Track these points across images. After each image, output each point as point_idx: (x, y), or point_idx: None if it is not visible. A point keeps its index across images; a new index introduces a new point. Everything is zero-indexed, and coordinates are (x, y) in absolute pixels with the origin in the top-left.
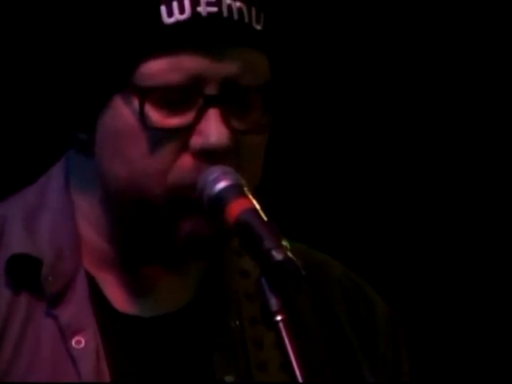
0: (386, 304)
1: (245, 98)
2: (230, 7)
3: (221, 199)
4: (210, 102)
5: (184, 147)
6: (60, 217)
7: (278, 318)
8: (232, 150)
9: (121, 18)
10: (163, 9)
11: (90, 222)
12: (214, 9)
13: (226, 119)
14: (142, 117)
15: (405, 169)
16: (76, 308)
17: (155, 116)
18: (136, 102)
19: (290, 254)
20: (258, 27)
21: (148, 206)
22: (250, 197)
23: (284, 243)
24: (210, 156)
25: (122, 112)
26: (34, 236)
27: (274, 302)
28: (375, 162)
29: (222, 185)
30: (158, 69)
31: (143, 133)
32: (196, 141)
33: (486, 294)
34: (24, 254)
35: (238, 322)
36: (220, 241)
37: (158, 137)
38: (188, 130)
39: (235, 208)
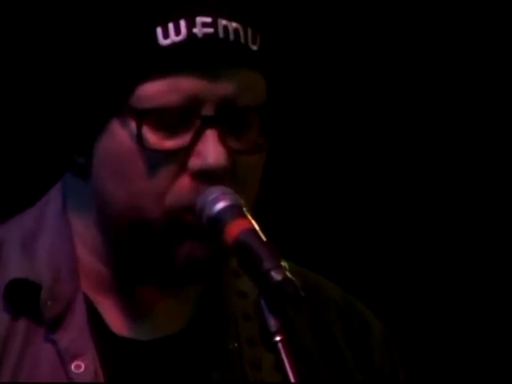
0: (381, 323)
1: (242, 118)
2: (225, 28)
3: (220, 220)
4: (207, 122)
5: (182, 168)
6: (58, 241)
7: (277, 338)
8: (230, 170)
9: (116, 41)
10: (159, 30)
11: (86, 245)
12: (210, 30)
13: (223, 140)
14: (140, 139)
15: (402, 182)
16: (75, 332)
17: (152, 138)
18: (133, 125)
19: (289, 274)
20: (255, 47)
21: (146, 228)
22: (249, 217)
23: (283, 264)
24: (208, 177)
25: (119, 135)
26: (33, 260)
27: (272, 323)
28: (372, 182)
29: (220, 205)
30: (154, 91)
31: (141, 155)
32: (194, 162)
33: (486, 299)
34: (22, 278)
35: (236, 344)
36: (218, 262)
37: (155, 159)
38: (186, 152)
39: (234, 228)
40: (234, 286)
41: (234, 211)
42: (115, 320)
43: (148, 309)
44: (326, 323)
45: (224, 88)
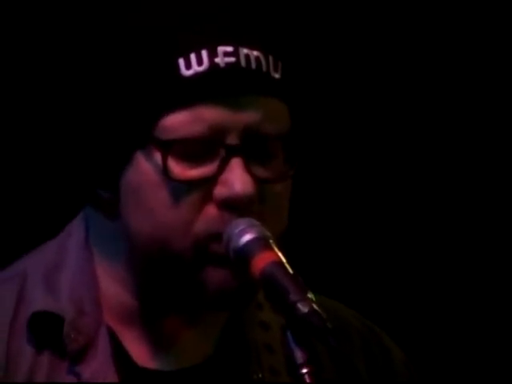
0: (400, 350)
1: (266, 146)
2: (247, 57)
3: (246, 252)
4: (233, 151)
5: (207, 198)
6: (80, 274)
7: (304, 370)
8: (256, 198)
9: (138, 73)
10: (181, 61)
11: (111, 277)
12: (232, 59)
13: (248, 168)
14: (165, 170)
15: (405, 189)
16: (98, 364)
17: (177, 169)
18: (158, 156)
19: (315, 306)
20: (277, 75)
21: (174, 258)
22: (276, 249)
23: (309, 296)
24: (234, 206)
25: (144, 167)
26: (55, 293)
27: (299, 355)
28: (375, 186)
29: (247, 237)
30: (178, 122)
31: (166, 186)
32: (220, 191)
33: (486, 299)
34: (45, 311)
35: (260, 375)
36: (247, 292)
37: (181, 189)
38: (211, 181)
39: (260, 261)
40: (257, 317)
41: (260, 244)
42: (139, 351)
43: (172, 339)
44: (348, 355)
45: (248, 116)
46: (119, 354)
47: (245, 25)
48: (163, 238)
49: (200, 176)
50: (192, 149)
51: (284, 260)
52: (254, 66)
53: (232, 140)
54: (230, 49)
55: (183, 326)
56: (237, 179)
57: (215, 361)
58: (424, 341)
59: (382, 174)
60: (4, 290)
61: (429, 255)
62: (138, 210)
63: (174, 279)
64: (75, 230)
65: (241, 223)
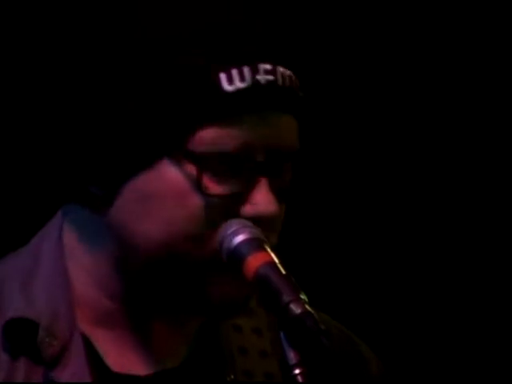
0: (379, 361)
1: (282, 163)
2: (283, 75)
3: (239, 253)
4: (260, 169)
5: (230, 213)
6: (54, 278)
7: (297, 371)
8: (279, 216)
9: (177, 83)
10: (223, 76)
11: (91, 278)
12: (271, 77)
13: (272, 187)
14: (199, 184)
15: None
16: (73, 370)
17: (210, 183)
18: (190, 168)
19: (308, 307)
20: (301, 94)
21: (186, 269)
22: (269, 250)
23: (302, 297)
24: (258, 223)
25: (169, 175)
26: (30, 299)
27: (292, 356)
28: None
29: (240, 238)
30: (214, 135)
31: (191, 198)
32: (247, 209)
33: (486, 300)
34: (20, 317)
35: (233, 376)
36: (246, 300)
37: (207, 202)
38: (237, 197)
39: (254, 262)
40: (230, 320)
41: (253, 244)
42: (113, 355)
43: (148, 343)
44: (341, 356)
45: (274, 134)
46: (94, 358)
47: (278, 43)
48: (178, 248)
49: (228, 192)
50: (223, 163)
51: (277, 260)
52: (287, 84)
53: (260, 157)
54: (268, 67)
55: (160, 331)
56: (264, 199)
57: (189, 364)
58: (424, 341)
59: (380, 174)
60: None
61: (428, 256)
62: (150, 217)
63: (181, 287)
64: (48, 234)
65: (234, 224)
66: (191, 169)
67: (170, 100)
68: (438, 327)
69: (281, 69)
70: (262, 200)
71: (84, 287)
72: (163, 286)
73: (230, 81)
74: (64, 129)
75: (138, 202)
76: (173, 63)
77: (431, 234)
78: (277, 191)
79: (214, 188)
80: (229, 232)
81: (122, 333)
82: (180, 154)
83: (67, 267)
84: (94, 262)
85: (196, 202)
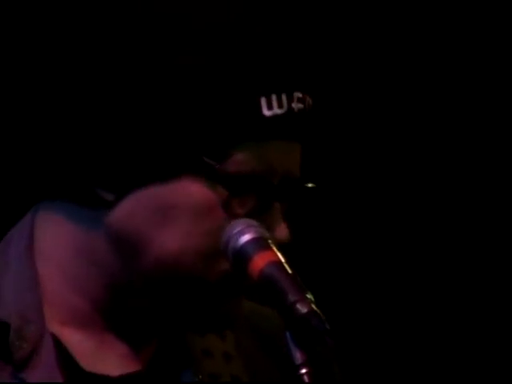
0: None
1: (291, 190)
2: (309, 104)
3: (245, 252)
4: (276, 193)
5: None
6: (23, 280)
7: (303, 371)
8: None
9: (220, 103)
10: (263, 101)
11: (67, 279)
12: (301, 105)
13: (283, 212)
14: (225, 202)
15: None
16: (44, 370)
17: (232, 201)
18: (216, 185)
19: (314, 307)
20: (314, 122)
21: (192, 285)
22: (275, 249)
23: (308, 296)
24: None
25: (194, 190)
26: (0, 299)
27: (298, 356)
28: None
29: (245, 238)
30: (244, 157)
31: (214, 214)
32: None
33: (486, 300)
34: None
35: (201, 377)
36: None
37: (227, 221)
38: (254, 218)
39: (259, 261)
40: None
41: (259, 244)
42: (85, 355)
43: (120, 344)
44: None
45: (291, 161)
46: (64, 359)
47: (307, 72)
48: (190, 263)
49: (246, 213)
50: (246, 184)
51: (283, 260)
52: (311, 113)
53: (276, 181)
54: (300, 95)
55: (133, 333)
56: (279, 225)
57: (158, 366)
58: (424, 341)
59: (380, 175)
60: None
61: (429, 257)
62: (167, 228)
63: (179, 304)
64: (17, 235)
65: (239, 224)
66: (218, 187)
67: (208, 117)
68: (438, 328)
69: (308, 98)
70: (277, 226)
71: (56, 287)
72: (161, 301)
73: (270, 106)
74: (84, 124)
75: (155, 211)
76: (216, 82)
77: (432, 234)
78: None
79: (236, 208)
80: (234, 232)
81: (94, 333)
82: (209, 171)
83: (37, 267)
84: (75, 264)
85: (217, 219)
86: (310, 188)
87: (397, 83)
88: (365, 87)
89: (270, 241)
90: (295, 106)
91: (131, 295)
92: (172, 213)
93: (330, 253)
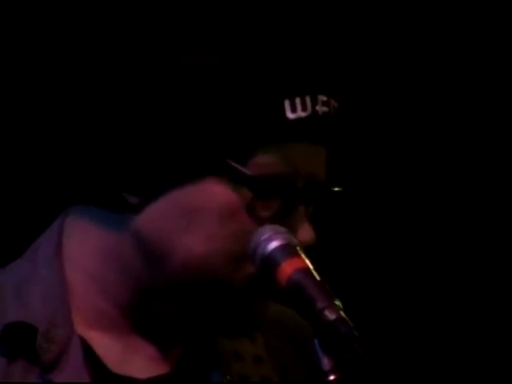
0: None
1: (315, 193)
2: (334, 107)
3: (273, 259)
4: (301, 196)
5: None
6: (51, 284)
7: (331, 377)
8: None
9: (244, 105)
10: (287, 103)
11: (96, 285)
12: (326, 109)
13: (308, 215)
14: (250, 205)
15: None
16: (72, 372)
17: (256, 204)
18: (240, 188)
19: (342, 314)
20: (339, 125)
21: (218, 288)
22: (303, 256)
23: (337, 303)
24: None
25: (219, 192)
26: (28, 305)
27: (326, 362)
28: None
29: (274, 244)
30: (269, 160)
31: (239, 217)
32: None
33: (486, 300)
34: (18, 322)
35: (229, 377)
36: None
37: (252, 223)
38: (278, 221)
39: (287, 268)
40: None
41: (287, 250)
42: (113, 357)
43: (148, 346)
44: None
45: (316, 164)
46: (92, 361)
47: (332, 75)
48: (216, 266)
49: (271, 215)
50: (271, 187)
51: (311, 266)
52: (336, 117)
53: (300, 184)
54: (325, 98)
55: (160, 335)
56: (304, 228)
57: (186, 368)
58: (424, 342)
59: (381, 176)
60: None
61: (429, 258)
62: (193, 231)
63: (206, 308)
64: (46, 240)
65: (267, 230)
66: (244, 190)
67: (233, 120)
68: (439, 328)
69: (332, 101)
70: (303, 229)
71: (84, 291)
72: (187, 305)
73: (294, 109)
74: (109, 129)
75: (181, 214)
76: (239, 84)
77: (433, 235)
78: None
79: (260, 210)
80: (262, 238)
81: (122, 336)
82: (234, 173)
83: (65, 272)
84: (103, 269)
85: (242, 221)
86: (336, 192)
87: (424, 87)
88: (391, 92)
89: (298, 247)
90: (319, 109)
91: (157, 298)
92: (197, 216)
93: (355, 257)
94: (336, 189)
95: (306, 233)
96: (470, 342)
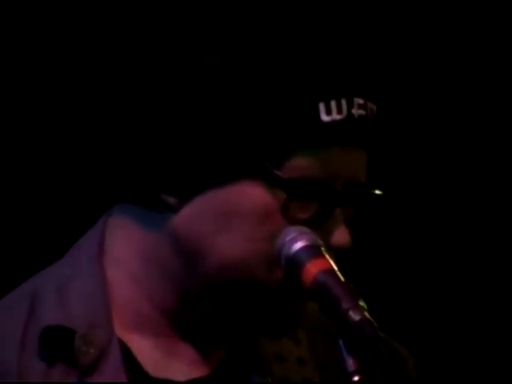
0: (416, 361)
1: (355, 196)
2: (371, 110)
3: (298, 260)
4: (339, 199)
5: None
6: (92, 286)
7: (356, 378)
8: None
9: (279, 108)
10: (321, 106)
11: (138, 288)
12: (363, 112)
13: (346, 218)
14: (285, 208)
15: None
16: (110, 375)
17: (292, 207)
18: (276, 191)
19: (367, 314)
20: (380, 129)
21: (254, 289)
22: (327, 257)
23: (361, 304)
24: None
25: (255, 194)
26: (67, 307)
27: (351, 363)
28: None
29: (298, 245)
30: (305, 163)
31: (275, 219)
32: (322, 237)
33: (486, 300)
34: (57, 325)
35: (270, 380)
36: None
37: (286, 226)
38: (315, 223)
39: (312, 269)
40: None
41: (311, 251)
42: (152, 361)
43: (187, 349)
44: (401, 364)
45: (355, 167)
46: (131, 364)
47: (368, 77)
48: (252, 267)
49: (307, 218)
50: (307, 190)
51: (336, 268)
52: (374, 120)
53: (338, 187)
54: (361, 101)
55: (201, 338)
56: (339, 231)
57: (227, 370)
58: (425, 342)
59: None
60: (14, 309)
61: (430, 258)
62: (229, 232)
63: (244, 310)
64: (87, 242)
65: (292, 231)
66: (280, 192)
67: (268, 123)
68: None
69: (370, 104)
70: (338, 232)
71: (127, 294)
72: (225, 306)
73: (329, 112)
74: (148, 130)
75: (217, 215)
76: (274, 87)
77: (434, 235)
78: (347, 221)
79: (296, 213)
80: (287, 239)
81: (162, 339)
82: (271, 176)
83: (107, 273)
84: (144, 270)
85: (278, 223)
86: (377, 195)
87: (464, 88)
88: (430, 95)
89: (322, 248)
90: (355, 111)
91: (197, 300)
92: (232, 217)
93: (387, 260)
94: (377, 192)
95: (341, 236)
96: (471, 342)
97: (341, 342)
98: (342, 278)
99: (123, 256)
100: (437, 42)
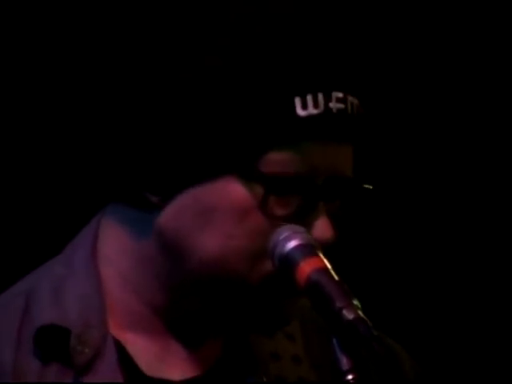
0: (413, 361)
1: (338, 190)
2: (352, 104)
3: (291, 259)
4: (320, 193)
5: None
6: (86, 285)
7: (349, 377)
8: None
9: (254, 105)
10: (297, 101)
11: (129, 286)
12: (342, 105)
13: (328, 212)
14: (264, 204)
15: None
16: (105, 375)
17: (272, 203)
18: (255, 187)
19: (361, 313)
20: (364, 123)
21: (236, 282)
22: (321, 256)
23: (355, 302)
24: None
25: (234, 191)
26: (62, 306)
27: (344, 362)
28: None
29: (292, 244)
30: (283, 158)
31: (255, 215)
32: None
33: (486, 300)
34: (52, 324)
35: (265, 379)
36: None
37: (268, 222)
38: (296, 219)
39: (306, 268)
40: None
41: (305, 250)
42: (147, 360)
43: (182, 348)
44: (396, 362)
45: (338, 160)
46: (126, 363)
47: (349, 72)
48: (233, 265)
49: (288, 214)
50: (287, 185)
51: (329, 266)
52: (355, 113)
53: (319, 181)
54: (340, 95)
55: (195, 336)
56: (322, 224)
57: (222, 369)
58: (420, 341)
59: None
60: (9, 307)
61: (424, 256)
62: (210, 229)
63: (231, 306)
64: (81, 241)
65: (285, 230)
66: (257, 188)
67: (244, 119)
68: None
69: (350, 97)
70: (320, 225)
71: (119, 293)
72: (210, 302)
73: (304, 106)
74: (128, 131)
75: (197, 212)
76: (249, 83)
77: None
78: (332, 216)
79: (276, 209)
80: (281, 238)
81: (156, 338)
82: (247, 172)
83: (100, 272)
84: (133, 269)
85: (258, 220)
86: (364, 189)
87: (457, 81)
88: (424, 90)
89: (316, 247)
90: (334, 106)
91: (184, 296)
92: (212, 214)
93: (372, 257)
94: (364, 186)
95: (323, 230)
96: (468, 340)
97: (334, 340)
98: (336, 277)
99: (114, 255)
100: (429, 37)
